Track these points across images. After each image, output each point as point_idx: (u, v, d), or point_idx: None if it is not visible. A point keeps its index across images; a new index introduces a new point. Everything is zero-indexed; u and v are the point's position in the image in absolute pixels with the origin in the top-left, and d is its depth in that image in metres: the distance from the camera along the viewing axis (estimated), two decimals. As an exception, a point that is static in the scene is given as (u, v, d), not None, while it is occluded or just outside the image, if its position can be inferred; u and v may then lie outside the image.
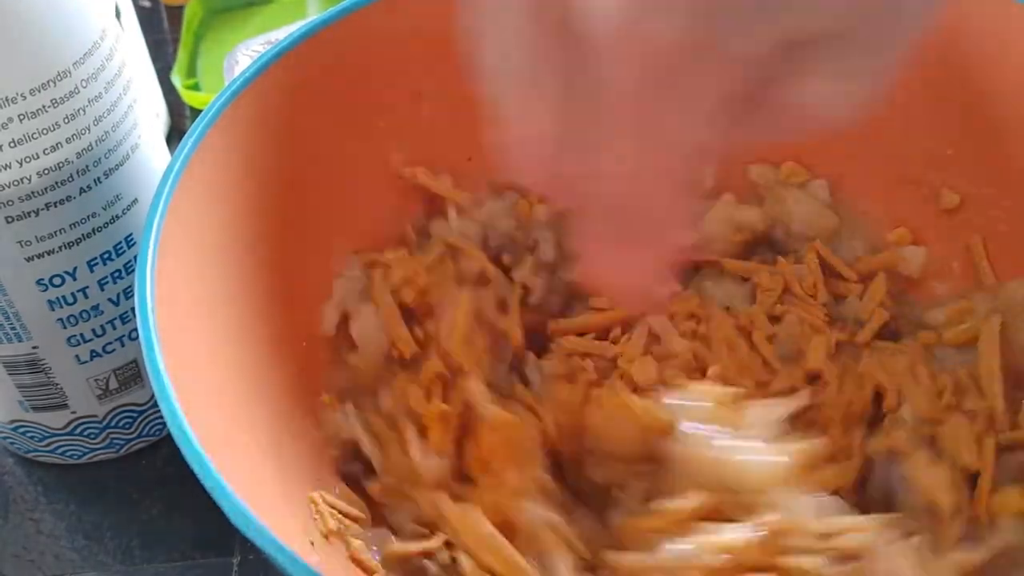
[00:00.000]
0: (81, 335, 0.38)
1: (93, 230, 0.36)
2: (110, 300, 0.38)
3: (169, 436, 0.28)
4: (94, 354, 0.39)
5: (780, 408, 0.34)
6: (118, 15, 0.36)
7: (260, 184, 0.36)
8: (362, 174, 0.40)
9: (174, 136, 0.55)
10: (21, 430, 0.41)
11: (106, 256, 0.37)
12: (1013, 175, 0.38)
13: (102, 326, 0.38)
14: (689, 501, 0.32)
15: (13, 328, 0.37)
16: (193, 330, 0.32)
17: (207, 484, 0.26)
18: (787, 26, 0.19)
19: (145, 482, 0.43)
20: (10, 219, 0.34)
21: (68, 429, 0.41)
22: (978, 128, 0.39)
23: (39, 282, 0.36)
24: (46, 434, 0.41)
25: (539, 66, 0.21)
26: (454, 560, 0.33)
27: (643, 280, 0.24)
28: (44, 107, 0.33)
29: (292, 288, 0.37)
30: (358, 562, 0.33)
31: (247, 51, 0.54)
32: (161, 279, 0.30)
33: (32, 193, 0.34)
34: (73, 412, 0.41)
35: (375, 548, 0.34)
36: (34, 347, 0.38)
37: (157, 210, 0.31)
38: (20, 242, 0.35)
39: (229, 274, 0.34)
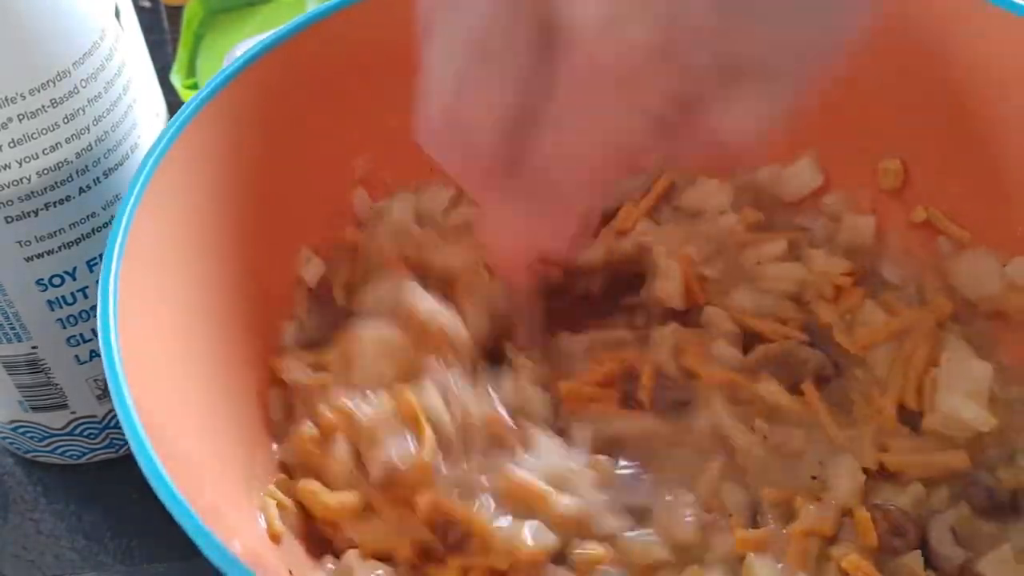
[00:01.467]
0: (81, 335, 0.38)
1: (93, 230, 0.36)
2: (110, 300, 0.38)
3: (169, 436, 0.28)
4: (94, 354, 0.39)
5: None
6: (118, 15, 0.36)
7: (225, 193, 0.36)
8: (328, 181, 0.40)
9: (174, 136, 0.55)
10: (21, 430, 0.41)
11: (106, 256, 0.37)
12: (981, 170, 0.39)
13: (102, 326, 0.38)
14: None
15: (13, 328, 0.37)
16: (158, 341, 0.31)
17: (176, 515, 0.26)
18: (733, 48, 0.22)
19: (145, 482, 0.43)
20: (10, 219, 0.34)
21: (68, 429, 0.41)
22: (943, 120, 0.39)
23: (39, 282, 0.36)
24: (46, 434, 0.41)
25: (507, 40, 0.23)
26: None
27: (536, 243, 0.27)
28: (44, 107, 0.33)
29: (258, 296, 0.37)
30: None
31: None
32: (125, 290, 0.30)
33: (32, 193, 0.34)
34: (73, 412, 0.41)
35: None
36: (34, 347, 0.38)
37: (121, 222, 0.31)
38: (20, 242, 0.35)
39: (194, 283, 0.34)
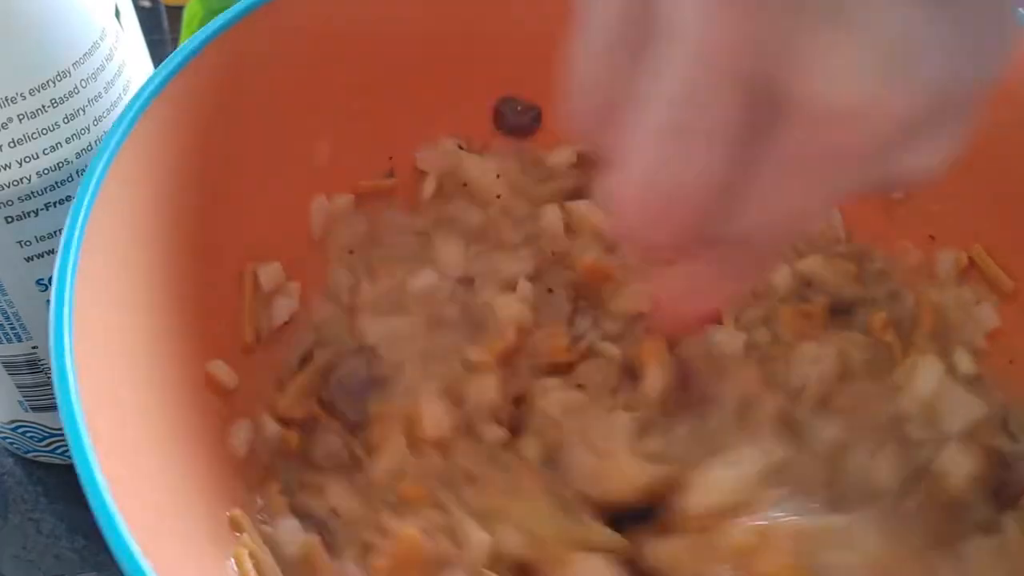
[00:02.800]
0: (81, 335, 0.38)
1: (93, 230, 0.36)
2: (110, 300, 0.38)
3: (168, 436, 0.28)
4: (94, 354, 0.39)
5: None
6: (118, 15, 0.36)
7: (179, 193, 0.34)
8: (289, 175, 0.39)
9: (174, 136, 0.55)
10: (21, 430, 0.41)
11: (106, 256, 0.37)
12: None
13: (102, 326, 0.38)
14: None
15: (13, 328, 0.37)
16: (110, 356, 0.30)
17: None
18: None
19: (145, 482, 0.43)
20: (10, 219, 0.34)
21: (68, 429, 0.41)
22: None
23: (39, 282, 0.36)
24: (46, 434, 0.41)
25: (713, 110, 0.21)
26: None
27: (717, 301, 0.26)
28: (43, 107, 0.33)
29: (213, 303, 0.35)
30: None
31: (247, 51, 0.53)
32: (79, 317, 0.28)
33: (32, 193, 0.34)
34: (73, 412, 0.41)
35: None
36: (34, 347, 0.38)
37: (75, 229, 0.29)
38: (20, 242, 0.35)
39: (145, 306, 0.32)
